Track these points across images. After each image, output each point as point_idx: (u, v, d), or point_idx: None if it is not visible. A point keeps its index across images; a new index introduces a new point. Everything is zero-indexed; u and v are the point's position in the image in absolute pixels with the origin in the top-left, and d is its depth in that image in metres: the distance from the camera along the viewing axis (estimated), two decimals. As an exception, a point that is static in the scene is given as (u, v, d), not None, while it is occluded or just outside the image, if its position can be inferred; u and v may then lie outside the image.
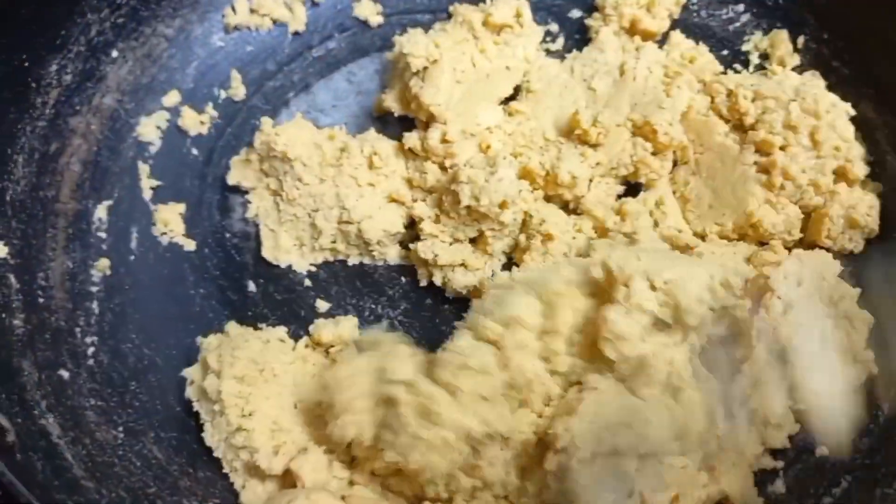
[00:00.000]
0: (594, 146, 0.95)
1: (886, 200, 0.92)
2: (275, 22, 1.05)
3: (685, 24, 1.04)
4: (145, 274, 0.92)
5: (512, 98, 1.00)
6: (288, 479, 0.78)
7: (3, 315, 0.78)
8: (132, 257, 0.93)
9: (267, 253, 0.95)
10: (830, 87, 0.99)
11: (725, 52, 1.03)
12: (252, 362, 0.81)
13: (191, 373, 0.83)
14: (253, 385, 0.79)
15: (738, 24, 1.05)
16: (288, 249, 0.95)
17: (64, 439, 0.74)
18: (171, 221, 0.95)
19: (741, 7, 1.05)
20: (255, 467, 0.77)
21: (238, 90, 1.03)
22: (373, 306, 0.94)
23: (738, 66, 1.03)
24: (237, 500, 0.78)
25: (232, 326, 0.88)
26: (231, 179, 0.97)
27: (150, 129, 0.99)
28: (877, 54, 0.97)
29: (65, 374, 0.81)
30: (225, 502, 0.79)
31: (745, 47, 1.04)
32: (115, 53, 0.97)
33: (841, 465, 0.80)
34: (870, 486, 0.75)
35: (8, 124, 0.85)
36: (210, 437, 0.80)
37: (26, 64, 0.87)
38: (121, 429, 0.80)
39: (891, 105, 0.96)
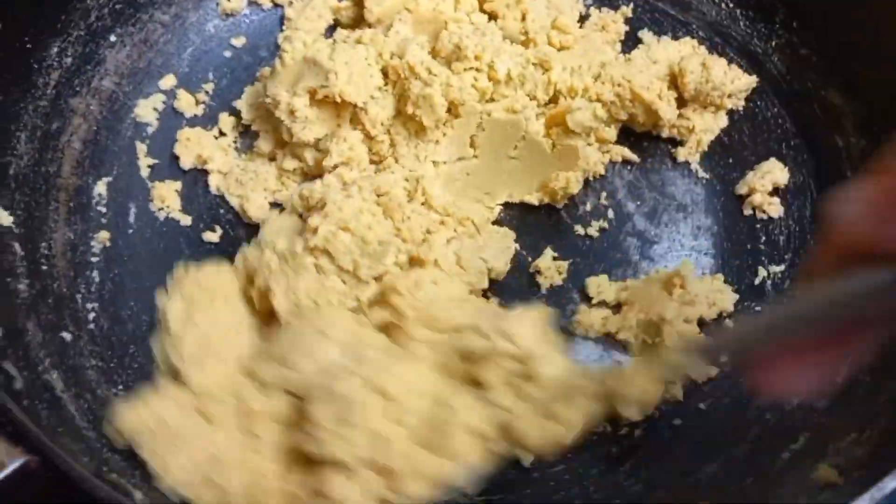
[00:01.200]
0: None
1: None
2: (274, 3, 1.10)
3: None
4: (143, 247, 0.97)
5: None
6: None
7: (9, 279, 0.83)
8: (130, 231, 0.97)
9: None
10: (799, 74, 1.05)
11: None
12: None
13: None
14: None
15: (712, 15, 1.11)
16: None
17: (67, 393, 0.78)
18: (167, 198, 0.99)
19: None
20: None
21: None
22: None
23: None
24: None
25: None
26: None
27: (147, 110, 1.03)
28: (845, 44, 1.01)
29: (67, 336, 0.85)
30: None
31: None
32: (113, 38, 1.02)
33: (798, 424, 0.85)
34: (824, 440, 0.80)
35: (11, 102, 0.89)
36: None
37: (28, 46, 0.92)
38: (120, 387, 0.85)
39: (856, 92, 1.01)
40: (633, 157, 1.05)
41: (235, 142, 1.03)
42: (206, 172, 1.01)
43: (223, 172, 1.01)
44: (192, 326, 0.82)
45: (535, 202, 1.01)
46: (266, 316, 0.87)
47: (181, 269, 0.87)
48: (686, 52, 1.07)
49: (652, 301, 0.92)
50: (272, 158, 1.01)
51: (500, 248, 0.97)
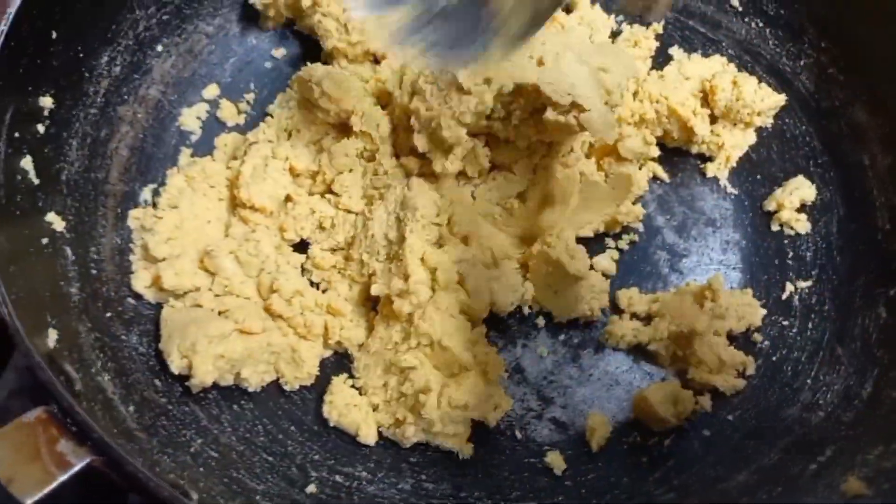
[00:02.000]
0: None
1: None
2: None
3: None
4: (186, 251, 0.99)
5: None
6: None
7: (62, 283, 0.85)
8: (174, 236, 1.00)
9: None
10: (826, 92, 1.07)
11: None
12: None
13: None
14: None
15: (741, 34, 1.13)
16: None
17: (117, 395, 0.81)
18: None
19: (746, 17, 1.13)
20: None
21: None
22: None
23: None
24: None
25: None
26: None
27: (191, 119, 1.06)
28: (872, 63, 1.03)
29: (115, 339, 0.87)
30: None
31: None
32: (159, 48, 1.04)
33: (826, 436, 0.86)
34: (851, 452, 0.82)
35: (65, 110, 0.92)
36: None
37: (81, 55, 0.94)
38: (166, 389, 0.87)
39: (883, 110, 1.03)
40: (665, 176, 1.07)
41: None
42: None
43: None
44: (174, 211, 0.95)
45: (591, 234, 1.03)
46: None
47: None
48: (716, 70, 1.09)
49: (683, 313, 0.94)
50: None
51: (511, 286, 0.97)
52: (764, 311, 0.98)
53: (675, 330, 0.95)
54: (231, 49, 1.11)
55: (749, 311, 0.97)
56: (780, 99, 1.07)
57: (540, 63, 0.95)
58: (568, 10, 1.13)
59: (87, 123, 0.95)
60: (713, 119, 1.08)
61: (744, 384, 0.94)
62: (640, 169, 1.05)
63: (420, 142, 0.96)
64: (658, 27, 1.14)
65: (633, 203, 1.04)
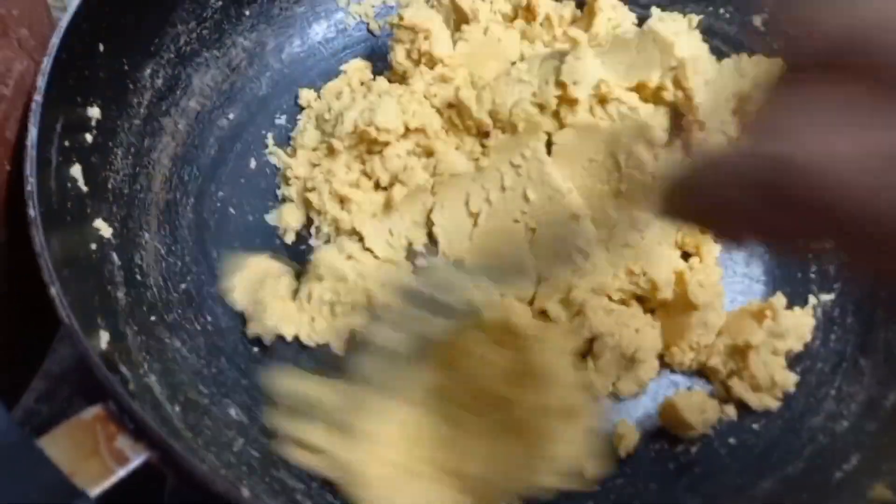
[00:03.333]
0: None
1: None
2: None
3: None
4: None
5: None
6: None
7: (109, 287, 0.88)
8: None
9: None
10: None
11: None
12: None
13: None
14: None
15: (763, 52, 1.16)
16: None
17: (164, 395, 0.83)
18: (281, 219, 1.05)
19: (768, 38, 1.15)
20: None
21: (305, 99, 1.14)
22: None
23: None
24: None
25: None
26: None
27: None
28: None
29: (159, 342, 0.90)
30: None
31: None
32: (199, 61, 1.08)
33: (850, 445, 0.89)
34: (876, 461, 0.84)
35: (110, 120, 0.95)
36: None
37: (126, 68, 0.97)
38: (210, 390, 0.90)
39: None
40: None
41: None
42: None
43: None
44: None
45: None
46: None
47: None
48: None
49: (740, 329, 0.96)
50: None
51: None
52: (813, 322, 0.99)
53: (730, 343, 0.96)
54: (267, 63, 1.14)
55: (804, 329, 0.98)
56: None
57: None
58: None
59: (131, 134, 0.98)
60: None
61: (778, 406, 0.95)
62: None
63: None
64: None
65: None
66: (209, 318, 0.96)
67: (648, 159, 0.98)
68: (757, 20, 1.17)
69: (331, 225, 1.02)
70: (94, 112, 0.92)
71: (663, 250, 1.00)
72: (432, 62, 1.08)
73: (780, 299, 0.99)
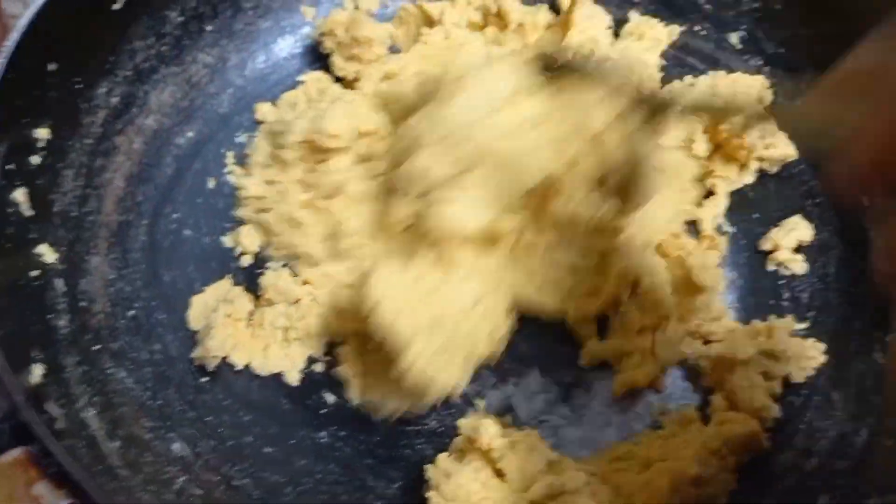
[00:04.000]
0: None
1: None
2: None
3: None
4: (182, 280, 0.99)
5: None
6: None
7: (51, 316, 0.85)
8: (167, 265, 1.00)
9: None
10: (824, 131, 1.07)
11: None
12: None
13: None
14: None
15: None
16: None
17: (102, 432, 0.80)
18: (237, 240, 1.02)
19: (745, 56, 1.13)
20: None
21: (262, 113, 1.11)
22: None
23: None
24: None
25: None
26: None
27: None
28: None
29: (102, 373, 0.87)
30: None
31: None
32: (157, 78, 1.05)
33: (819, 485, 0.85)
34: (844, 501, 0.81)
35: (60, 141, 0.92)
36: None
37: (79, 86, 0.95)
38: (154, 423, 0.87)
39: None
40: None
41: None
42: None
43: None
44: None
45: None
46: None
47: None
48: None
49: (735, 341, 0.94)
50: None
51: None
52: (824, 346, 0.96)
53: (721, 352, 0.95)
54: (229, 80, 1.11)
55: (812, 361, 0.95)
56: (791, 153, 1.06)
57: None
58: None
59: (82, 154, 0.96)
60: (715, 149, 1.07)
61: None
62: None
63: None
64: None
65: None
66: (158, 347, 0.93)
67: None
68: (734, 38, 1.14)
69: (282, 249, 0.99)
70: (43, 133, 0.90)
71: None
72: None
73: (788, 322, 0.97)
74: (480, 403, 0.95)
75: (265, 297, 0.94)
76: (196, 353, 0.92)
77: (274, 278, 0.95)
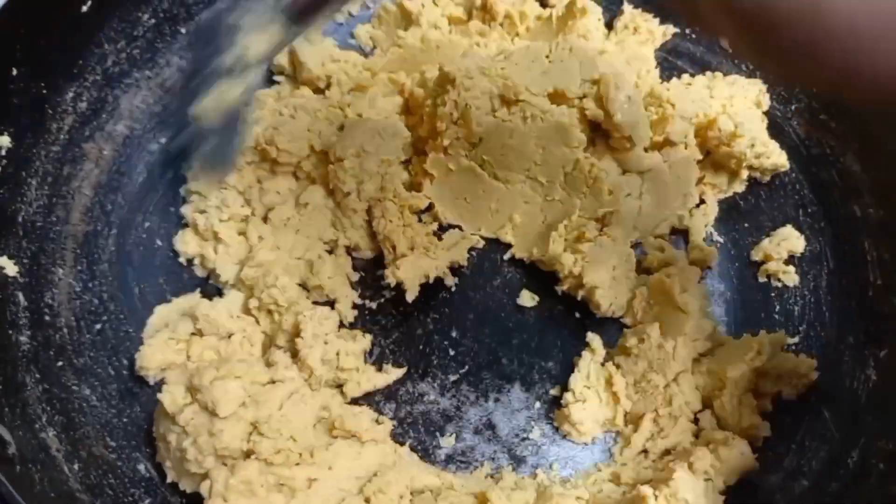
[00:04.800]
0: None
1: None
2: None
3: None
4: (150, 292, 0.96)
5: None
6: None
7: (11, 332, 0.82)
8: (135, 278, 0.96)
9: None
10: (818, 139, 1.04)
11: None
12: None
13: None
14: None
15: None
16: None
17: (61, 453, 0.77)
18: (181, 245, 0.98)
19: (736, 59, 1.09)
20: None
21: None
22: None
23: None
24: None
25: None
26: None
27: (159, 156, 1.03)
28: (864, 112, 0.99)
29: (65, 390, 0.84)
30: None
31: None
32: (129, 82, 1.01)
33: (811, 508, 0.82)
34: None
35: (24, 148, 0.89)
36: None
37: (44, 91, 0.91)
38: (118, 443, 0.83)
39: (875, 160, 0.99)
40: None
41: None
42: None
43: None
44: None
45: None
46: None
47: None
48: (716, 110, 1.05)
49: (728, 356, 0.91)
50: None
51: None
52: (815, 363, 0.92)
53: (711, 368, 0.92)
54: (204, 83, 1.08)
55: (805, 378, 0.91)
56: (782, 163, 1.03)
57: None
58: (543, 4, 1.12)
59: (48, 162, 0.92)
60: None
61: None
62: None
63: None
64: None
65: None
66: (125, 362, 0.90)
67: (571, 158, 0.95)
68: (725, 41, 1.10)
69: (200, 262, 0.97)
70: (4, 140, 0.86)
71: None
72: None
73: (779, 337, 0.93)
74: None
75: (196, 327, 0.90)
76: (137, 363, 0.89)
77: (208, 307, 0.91)
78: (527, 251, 0.99)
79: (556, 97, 0.94)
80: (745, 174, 1.03)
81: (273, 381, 0.84)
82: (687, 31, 1.12)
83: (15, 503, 0.61)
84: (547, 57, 0.96)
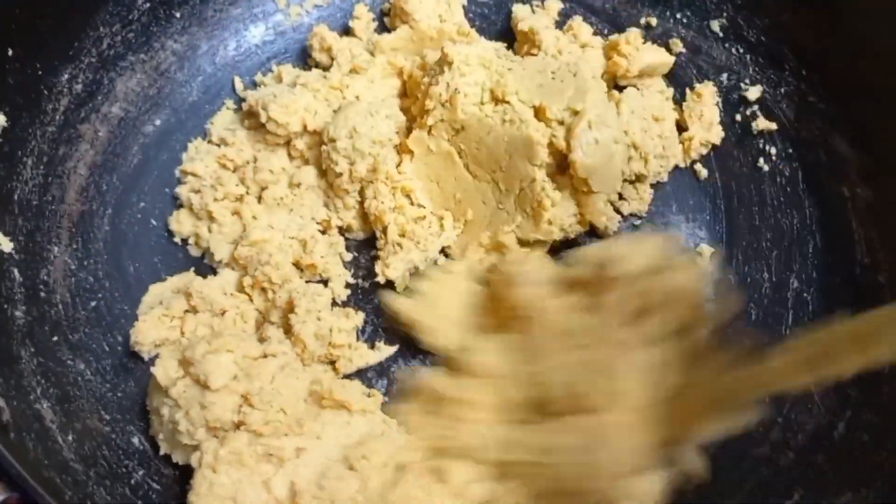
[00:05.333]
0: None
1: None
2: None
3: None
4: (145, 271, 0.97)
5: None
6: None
7: (6, 306, 0.83)
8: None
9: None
10: (806, 121, 1.05)
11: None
12: None
13: None
14: None
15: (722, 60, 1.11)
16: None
17: (55, 423, 0.78)
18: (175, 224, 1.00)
19: (727, 43, 1.11)
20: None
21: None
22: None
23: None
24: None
25: None
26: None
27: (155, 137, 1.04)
28: (852, 94, 1.01)
29: (60, 364, 0.85)
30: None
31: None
32: (124, 65, 1.03)
33: (794, 480, 0.83)
34: (818, 497, 0.79)
35: (20, 128, 0.90)
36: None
37: (40, 72, 0.93)
38: (111, 416, 0.85)
39: (862, 141, 1.00)
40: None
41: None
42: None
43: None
44: None
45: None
46: None
47: None
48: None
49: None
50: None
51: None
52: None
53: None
54: (199, 67, 1.09)
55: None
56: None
57: None
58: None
59: (43, 142, 0.93)
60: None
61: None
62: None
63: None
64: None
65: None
66: (119, 338, 0.91)
67: (530, 175, 0.94)
68: (715, 25, 1.11)
69: (194, 242, 0.98)
70: (0, 120, 0.87)
71: None
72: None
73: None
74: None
75: (191, 303, 0.91)
76: (132, 338, 0.90)
77: (202, 284, 0.92)
78: (460, 249, 1.00)
79: (539, 112, 0.94)
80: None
81: (265, 356, 0.85)
82: (678, 14, 1.13)
83: (9, 467, 0.62)
84: (552, 73, 0.96)
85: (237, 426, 0.79)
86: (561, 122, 0.93)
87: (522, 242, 0.98)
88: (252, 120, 1.01)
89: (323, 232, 1.00)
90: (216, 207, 0.97)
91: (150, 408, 0.84)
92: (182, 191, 1.00)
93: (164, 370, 0.82)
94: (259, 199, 0.99)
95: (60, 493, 0.66)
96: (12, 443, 0.67)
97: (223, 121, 1.06)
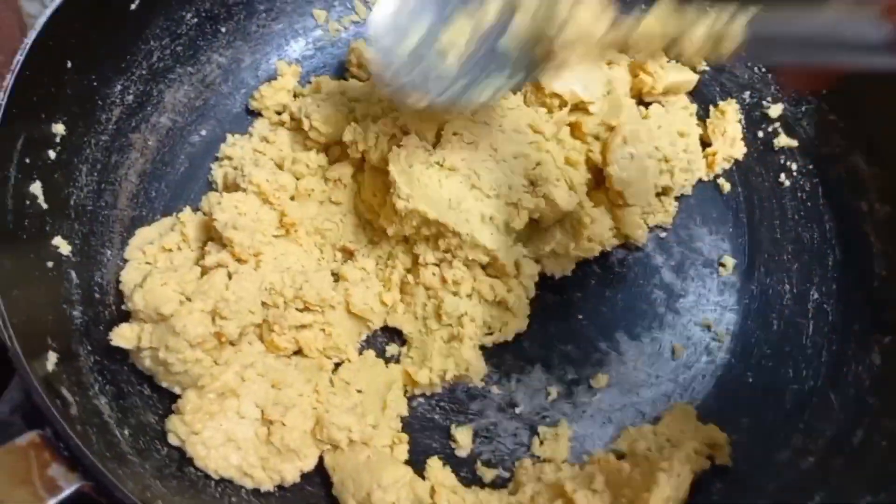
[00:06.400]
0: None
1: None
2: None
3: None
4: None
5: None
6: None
7: (65, 306, 0.87)
8: (178, 261, 1.02)
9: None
10: (826, 139, 1.08)
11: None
12: None
13: None
14: None
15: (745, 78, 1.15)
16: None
17: (113, 419, 0.82)
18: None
19: (749, 62, 1.14)
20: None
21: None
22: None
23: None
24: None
25: None
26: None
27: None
28: (870, 112, 1.03)
29: (114, 362, 0.89)
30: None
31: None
32: (172, 77, 1.07)
33: (815, 483, 0.86)
34: (839, 500, 0.82)
35: (76, 137, 0.94)
36: None
37: (95, 84, 0.97)
38: (161, 414, 0.89)
39: (880, 159, 1.03)
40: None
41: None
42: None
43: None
44: None
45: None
46: None
47: None
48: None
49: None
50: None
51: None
52: None
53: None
54: (243, 80, 1.14)
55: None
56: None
57: None
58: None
59: (97, 150, 0.98)
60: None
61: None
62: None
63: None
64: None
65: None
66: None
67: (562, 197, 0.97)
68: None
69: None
70: (59, 128, 0.92)
71: None
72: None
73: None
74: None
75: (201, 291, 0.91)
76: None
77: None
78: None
79: (575, 128, 0.98)
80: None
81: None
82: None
83: (82, 457, 0.66)
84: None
85: (218, 338, 0.87)
86: (597, 137, 0.97)
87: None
88: (293, 123, 1.05)
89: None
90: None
91: (142, 367, 0.89)
92: (216, 171, 1.06)
93: (123, 337, 0.86)
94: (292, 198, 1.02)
95: (124, 483, 0.69)
96: (80, 435, 0.70)
97: (263, 126, 1.10)
